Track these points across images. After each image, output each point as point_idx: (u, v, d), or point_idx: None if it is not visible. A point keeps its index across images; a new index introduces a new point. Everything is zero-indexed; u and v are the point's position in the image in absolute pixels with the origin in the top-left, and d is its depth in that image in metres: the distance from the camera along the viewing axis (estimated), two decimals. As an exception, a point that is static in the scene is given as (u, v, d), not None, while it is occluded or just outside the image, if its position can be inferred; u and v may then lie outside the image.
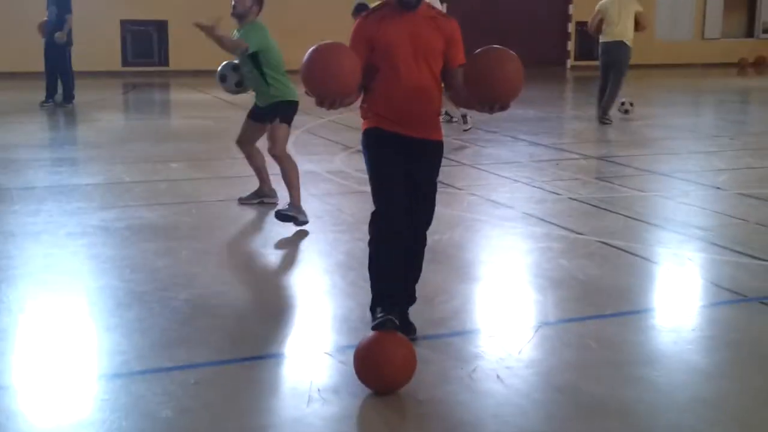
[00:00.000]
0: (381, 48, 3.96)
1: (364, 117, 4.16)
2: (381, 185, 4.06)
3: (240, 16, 6.69)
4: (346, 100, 3.82)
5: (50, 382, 3.78)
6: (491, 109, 3.86)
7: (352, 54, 3.79)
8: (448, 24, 4.08)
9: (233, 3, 6.67)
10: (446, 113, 11.25)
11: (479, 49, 3.84)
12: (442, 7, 8.69)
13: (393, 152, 4.06)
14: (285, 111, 6.73)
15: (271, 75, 6.66)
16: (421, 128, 4.09)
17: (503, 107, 3.84)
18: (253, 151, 7.13)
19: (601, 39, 12.30)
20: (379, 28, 3.98)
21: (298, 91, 5.53)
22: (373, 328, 3.89)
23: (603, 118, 12.20)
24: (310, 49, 3.73)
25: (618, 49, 12.11)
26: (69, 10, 13.74)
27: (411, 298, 4.30)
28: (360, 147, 4.23)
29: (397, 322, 3.95)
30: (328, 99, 3.74)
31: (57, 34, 13.55)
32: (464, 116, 10.65)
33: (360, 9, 9.29)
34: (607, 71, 12.30)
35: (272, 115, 6.68)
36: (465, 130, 10.45)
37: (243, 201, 7.20)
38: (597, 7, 12.31)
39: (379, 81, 3.99)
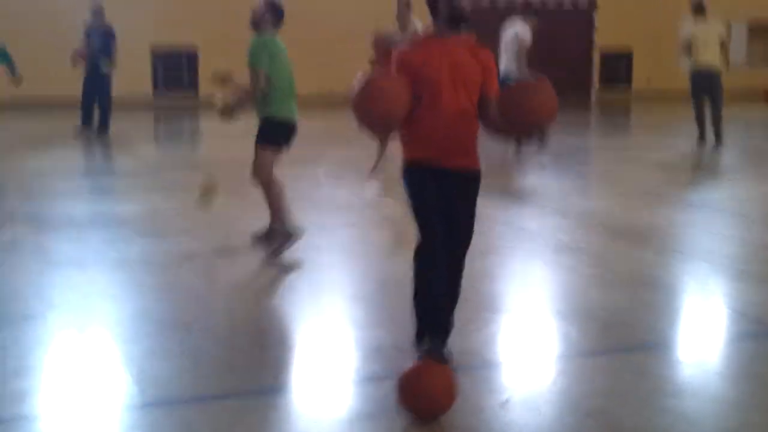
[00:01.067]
0: (422, 77, 4.09)
1: (403, 146, 4.29)
2: (424, 219, 4.20)
3: (255, 25, 6.46)
4: (397, 127, 3.98)
5: (103, 407, 3.94)
6: (528, 138, 4.04)
7: (401, 80, 3.95)
8: (485, 54, 4.25)
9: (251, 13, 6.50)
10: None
11: (514, 82, 4.02)
12: (420, 27, 9.01)
13: (434, 184, 4.20)
14: (269, 131, 6.36)
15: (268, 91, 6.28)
16: (461, 157, 4.24)
17: (540, 135, 4.03)
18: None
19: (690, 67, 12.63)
20: (421, 58, 4.11)
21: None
22: (424, 355, 4.03)
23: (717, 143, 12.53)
24: (362, 80, 3.88)
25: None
26: (114, 37, 13.96)
27: (451, 324, 4.44)
28: (400, 177, 4.36)
29: (442, 353, 4.10)
30: (382, 127, 3.91)
31: (106, 63, 13.68)
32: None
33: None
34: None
35: (258, 134, 6.37)
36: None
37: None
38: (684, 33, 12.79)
39: (421, 110, 4.11)
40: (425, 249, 4.19)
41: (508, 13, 20.54)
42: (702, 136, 12.84)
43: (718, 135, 12.59)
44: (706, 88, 12.56)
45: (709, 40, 12.39)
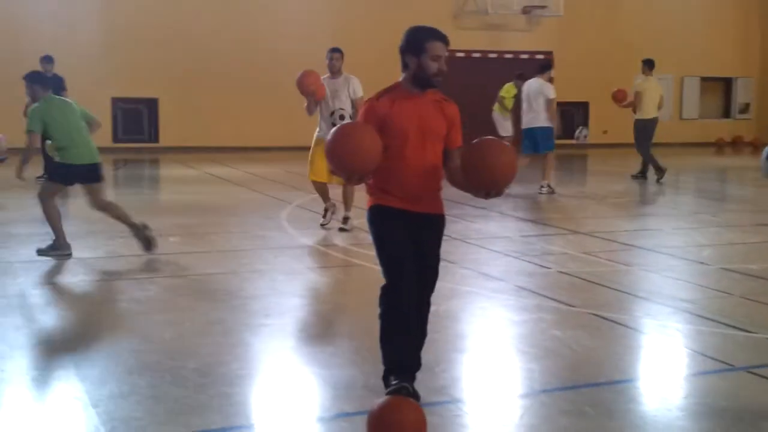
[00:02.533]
0: (391, 129, 4.23)
1: (370, 193, 4.41)
2: (390, 261, 4.30)
3: (33, 99, 8.30)
4: (370, 174, 4.10)
5: (70, 446, 3.92)
6: (487, 195, 4.16)
7: (374, 132, 4.07)
8: (451, 108, 4.40)
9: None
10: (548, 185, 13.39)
11: (476, 140, 4.15)
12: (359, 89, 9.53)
13: (399, 228, 4.31)
14: (54, 171, 8.42)
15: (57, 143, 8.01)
16: (425, 204, 4.37)
17: (498, 194, 4.15)
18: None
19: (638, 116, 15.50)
20: (391, 111, 4.25)
21: None
22: (392, 393, 4.07)
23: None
24: (336, 129, 4.01)
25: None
26: (64, 88, 14.03)
27: (417, 364, 4.48)
28: (366, 222, 4.45)
29: (411, 390, 4.15)
30: (356, 174, 4.01)
31: None
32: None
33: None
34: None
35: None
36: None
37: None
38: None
39: (387, 160, 4.23)
40: (392, 290, 4.28)
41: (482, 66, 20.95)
42: (645, 173, 15.54)
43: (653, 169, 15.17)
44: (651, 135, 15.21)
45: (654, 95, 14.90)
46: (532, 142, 13.57)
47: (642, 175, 15.72)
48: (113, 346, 5.41)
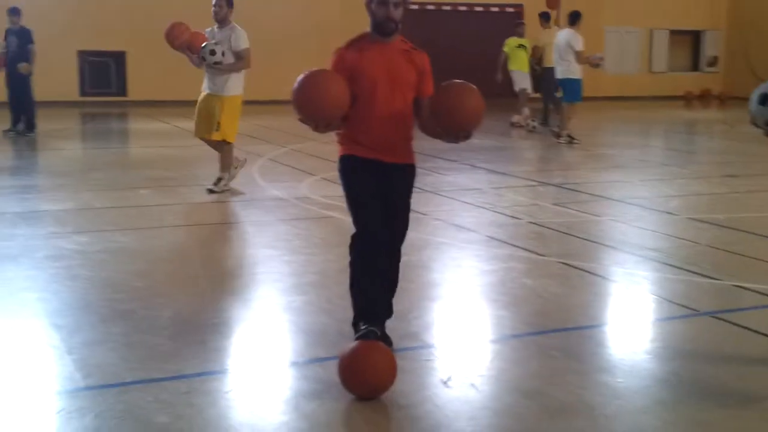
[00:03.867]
0: (360, 78, 4.23)
1: (340, 143, 4.42)
2: (360, 209, 4.34)
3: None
4: (338, 122, 4.11)
5: (45, 393, 3.95)
6: (456, 139, 4.21)
7: (341, 78, 4.08)
8: (420, 57, 4.39)
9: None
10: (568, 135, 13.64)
11: (444, 83, 4.18)
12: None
13: (369, 177, 4.33)
14: None
15: None
16: (395, 153, 4.38)
17: (467, 136, 4.22)
18: None
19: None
20: (359, 59, 4.26)
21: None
22: (357, 339, 4.14)
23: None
24: (301, 77, 4.01)
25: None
26: (31, 41, 13.85)
27: (388, 312, 4.54)
28: (337, 172, 4.48)
29: (379, 334, 4.21)
30: (323, 122, 4.02)
31: (21, 65, 13.63)
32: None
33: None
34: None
35: None
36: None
37: None
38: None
39: (357, 109, 4.25)
40: (361, 237, 4.32)
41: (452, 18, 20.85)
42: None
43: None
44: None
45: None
46: (564, 92, 14.00)
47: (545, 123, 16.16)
48: (87, 296, 5.42)
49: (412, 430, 3.67)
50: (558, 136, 13.88)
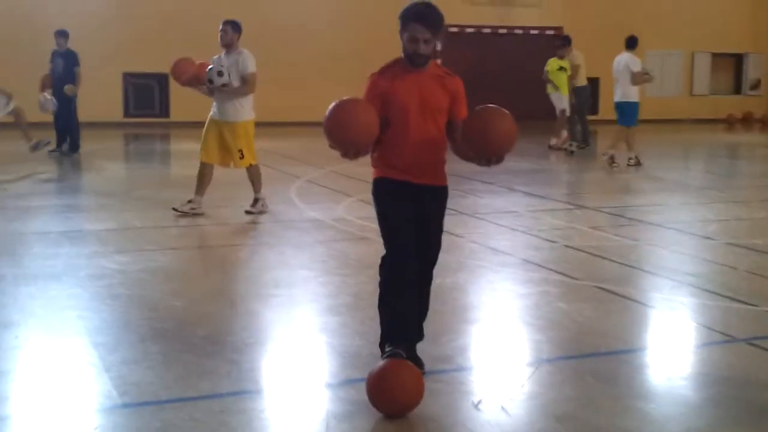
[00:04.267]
0: (393, 104, 4.31)
1: (374, 166, 4.49)
2: (391, 231, 4.39)
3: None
4: (367, 149, 4.18)
5: (82, 409, 4.03)
6: (488, 163, 4.25)
7: (370, 106, 4.16)
8: (453, 82, 4.45)
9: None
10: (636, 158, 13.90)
11: (477, 108, 4.23)
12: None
13: (402, 199, 4.39)
14: None
15: None
16: (428, 176, 4.44)
17: (499, 161, 4.28)
18: None
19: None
20: (392, 86, 4.33)
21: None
22: (383, 359, 4.18)
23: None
24: (333, 105, 4.11)
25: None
26: (77, 63, 14.13)
27: (419, 335, 4.58)
28: (370, 195, 4.53)
29: (405, 355, 4.24)
30: (352, 149, 4.10)
31: (67, 87, 13.89)
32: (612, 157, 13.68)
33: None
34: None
35: None
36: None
37: None
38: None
39: (390, 133, 4.33)
40: (391, 259, 4.37)
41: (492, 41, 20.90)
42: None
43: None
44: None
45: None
46: (618, 114, 14.20)
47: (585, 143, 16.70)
48: (125, 315, 5.51)
49: (442, 452, 3.70)
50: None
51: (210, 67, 8.60)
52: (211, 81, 8.57)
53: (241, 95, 8.76)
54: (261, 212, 8.96)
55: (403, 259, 4.33)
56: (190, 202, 8.85)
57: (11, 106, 12.51)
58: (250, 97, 8.86)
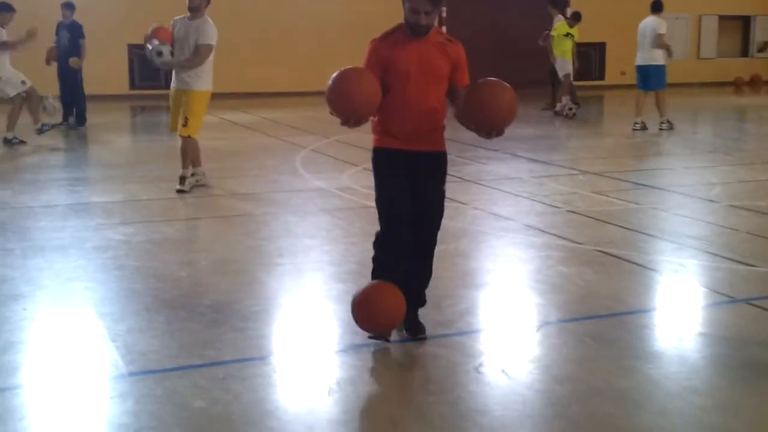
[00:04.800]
0: (393, 71, 4.33)
1: (374, 132, 4.52)
2: (385, 202, 4.43)
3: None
4: (368, 118, 4.22)
5: (89, 378, 4.11)
6: (488, 135, 4.27)
7: (372, 76, 4.19)
8: (455, 49, 4.45)
9: None
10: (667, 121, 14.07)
11: (478, 81, 4.28)
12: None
13: (399, 168, 4.41)
14: None
15: None
16: (426, 142, 4.46)
17: (499, 133, 4.30)
18: None
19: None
20: (392, 53, 4.34)
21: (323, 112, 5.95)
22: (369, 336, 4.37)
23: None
24: (334, 74, 4.15)
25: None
26: (82, 35, 14.13)
27: (421, 301, 4.65)
28: (370, 164, 4.56)
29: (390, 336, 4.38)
30: (353, 118, 4.13)
31: (72, 60, 13.90)
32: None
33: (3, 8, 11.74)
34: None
35: None
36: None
37: None
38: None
39: (390, 100, 4.34)
40: (384, 234, 4.42)
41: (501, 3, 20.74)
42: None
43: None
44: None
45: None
46: (644, 79, 14.23)
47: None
48: (131, 286, 5.59)
49: (443, 415, 3.75)
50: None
51: (149, 47, 8.35)
52: (151, 60, 8.38)
53: (189, 67, 8.46)
54: (194, 187, 8.76)
55: (397, 230, 4.38)
56: (193, 175, 8.83)
57: (27, 85, 12.51)
58: (209, 68, 8.59)
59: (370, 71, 4.27)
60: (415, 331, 4.57)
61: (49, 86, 14.35)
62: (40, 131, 12.87)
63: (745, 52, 26.46)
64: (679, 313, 5.17)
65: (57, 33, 14.26)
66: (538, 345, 4.59)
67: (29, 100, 12.61)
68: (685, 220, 7.51)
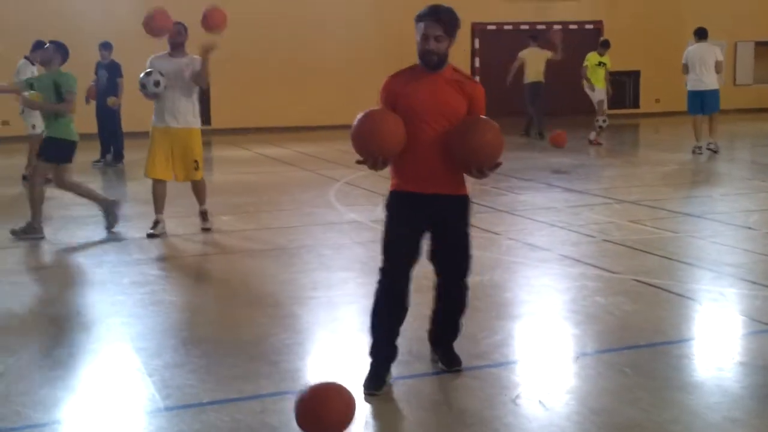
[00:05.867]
0: (405, 108, 4.23)
1: (391, 175, 4.43)
2: (388, 246, 4.34)
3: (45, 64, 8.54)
4: (394, 159, 4.20)
5: (126, 413, 4.14)
6: (479, 174, 4.18)
7: (397, 117, 4.14)
8: (472, 87, 4.34)
9: None
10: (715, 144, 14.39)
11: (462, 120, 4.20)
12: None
13: (412, 213, 4.30)
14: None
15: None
16: (442, 184, 4.31)
17: (481, 172, 4.17)
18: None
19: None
20: (405, 89, 4.27)
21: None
22: (365, 384, 4.27)
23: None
24: (360, 115, 4.13)
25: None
26: (120, 74, 14.34)
27: (456, 331, 4.62)
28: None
29: (386, 379, 4.31)
30: (380, 159, 4.13)
31: (110, 99, 14.10)
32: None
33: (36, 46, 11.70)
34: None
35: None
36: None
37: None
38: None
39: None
40: (384, 275, 4.33)
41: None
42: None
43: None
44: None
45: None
46: (699, 103, 14.60)
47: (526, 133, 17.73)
48: (168, 321, 5.63)
49: (479, 447, 3.74)
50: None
51: (148, 70, 8.09)
52: (144, 86, 8.04)
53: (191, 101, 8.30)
54: (212, 227, 8.59)
55: (393, 278, 4.30)
56: (156, 223, 8.43)
57: (38, 131, 12.69)
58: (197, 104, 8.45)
59: (397, 115, 4.21)
60: (449, 362, 4.56)
61: (88, 124, 14.56)
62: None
63: (782, 78, 26.20)
64: (718, 343, 5.10)
65: (96, 72, 14.50)
66: (575, 376, 4.55)
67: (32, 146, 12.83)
68: (722, 248, 7.43)
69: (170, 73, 8.16)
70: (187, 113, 8.29)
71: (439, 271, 4.48)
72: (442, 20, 4.19)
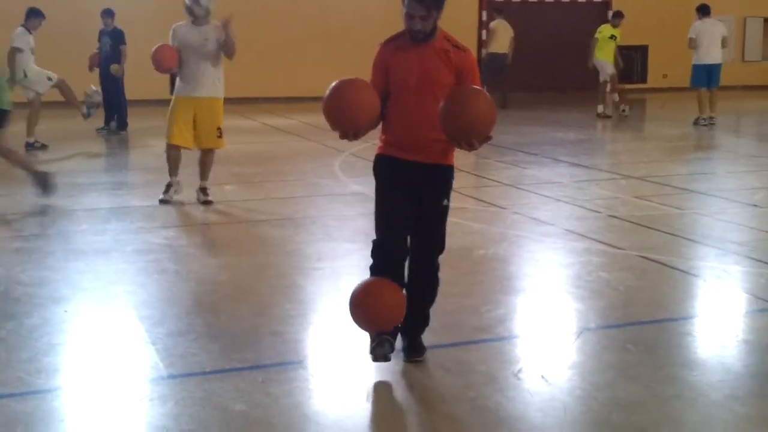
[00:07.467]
0: (391, 77, 4.19)
1: (379, 139, 4.36)
2: (380, 215, 4.25)
3: None
4: (368, 130, 4.08)
5: (129, 380, 4.15)
6: (469, 147, 3.97)
7: (370, 88, 4.04)
8: (460, 56, 4.19)
9: None
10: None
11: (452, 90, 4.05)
12: None
13: (396, 179, 4.21)
14: None
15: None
16: (428, 154, 4.21)
17: (470, 144, 3.95)
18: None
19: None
20: (392, 58, 4.21)
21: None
22: (371, 352, 4.17)
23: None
24: (331, 86, 4.01)
25: None
26: (123, 42, 14.28)
27: (424, 321, 4.44)
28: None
29: (392, 342, 4.19)
30: (350, 131, 4.01)
31: (113, 67, 14.05)
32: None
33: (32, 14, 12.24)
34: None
35: None
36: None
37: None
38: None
39: (390, 108, 4.21)
40: (377, 246, 4.25)
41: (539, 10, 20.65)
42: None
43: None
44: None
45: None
46: (705, 76, 14.95)
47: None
48: (172, 289, 5.63)
49: (480, 421, 3.73)
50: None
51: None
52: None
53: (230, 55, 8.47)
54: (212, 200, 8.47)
55: (387, 241, 4.20)
56: (169, 186, 8.47)
57: (54, 81, 12.69)
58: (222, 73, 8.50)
59: (376, 76, 4.18)
60: (411, 352, 4.35)
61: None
62: (87, 115, 13.05)
63: (791, 55, 26.04)
64: (722, 320, 5.09)
65: (99, 39, 14.42)
66: (578, 351, 4.54)
67: (62, 91, 12.82)
68: (728, 225, 7.41)
69: (194, 43, 8.29)
70: (214, 81, 8.37)
71: (411, 246, 4.30)
72: (425, 2, 4.07)
